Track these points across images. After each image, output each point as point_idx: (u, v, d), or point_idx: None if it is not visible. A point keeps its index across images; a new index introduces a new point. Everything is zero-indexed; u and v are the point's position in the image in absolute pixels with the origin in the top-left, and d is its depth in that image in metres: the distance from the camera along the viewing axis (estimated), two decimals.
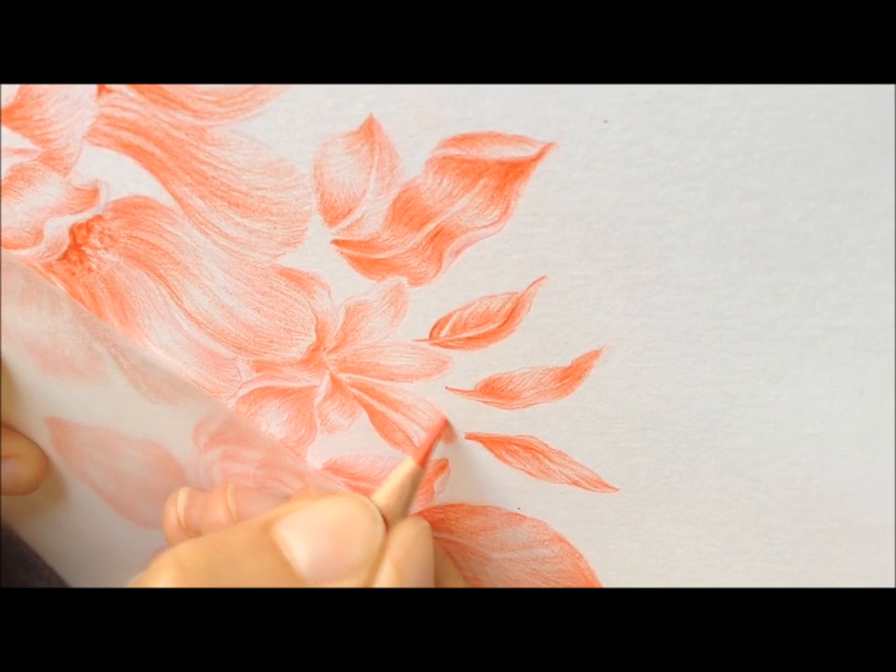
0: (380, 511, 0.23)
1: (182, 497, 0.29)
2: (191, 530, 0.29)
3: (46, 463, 0.32)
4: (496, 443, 0.25)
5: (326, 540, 0.21)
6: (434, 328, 0.22)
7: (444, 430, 0.25)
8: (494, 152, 0.19)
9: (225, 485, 0.28)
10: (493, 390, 0.23)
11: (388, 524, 0.23)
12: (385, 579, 0.22)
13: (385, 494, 0.23)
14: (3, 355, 0.29)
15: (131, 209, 0.23)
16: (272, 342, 0.25)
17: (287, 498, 0.28)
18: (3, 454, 0.31)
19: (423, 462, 0.24)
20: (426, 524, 0.23)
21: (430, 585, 0.23)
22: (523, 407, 0.23)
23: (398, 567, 0.22)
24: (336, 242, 0.22)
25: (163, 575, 0.20)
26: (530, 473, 0.25)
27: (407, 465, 0.24)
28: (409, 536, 0.22)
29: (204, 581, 0.20)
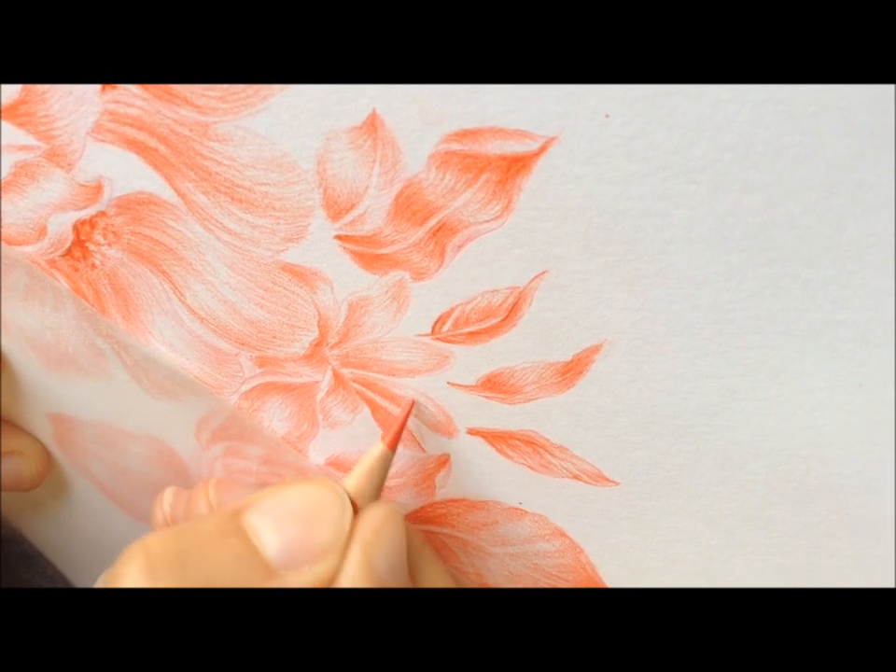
0: (349, 496, 0.22)
1: (167, 495, 0.29)
2: None
3: (48, 459, 0.32)
4: (497, 438, 0.25)
5: (294, 525, 0.21)
6: (436, 322, 0.22)
7: (412, 412, 0.25)
8: (496, 147, 0.19)
9: (207, 480, 0.28)
10: (494, 385, 0.23)
11: (358, 508, 0.23)
12: (353, 562, 0.21)
13: (355, 478, 0.23)
14: (5, 351, 0.29)
15: (134, 205, 0.23)
16: (274, 337, 0.25)
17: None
18: (5, 450, 0.31)
19: (392, 445, 0.24)
20: (395, 507, 0.23)
21: (403, 570, 0.23)
22: (524, 402, 0.23)
23: (365, 550, 0.22)
24: (339, 237, 0.22)
25: (131, 564, 0.20)
26: (531, 468, 0.25)
27: (376, 448, 0.24)
28: (377, 519, 0.22)
29: (172, 569, 0.20)
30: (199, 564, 0.20)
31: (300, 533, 0.21)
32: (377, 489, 0.24)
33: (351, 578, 0.21)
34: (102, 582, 0.21)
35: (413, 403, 0.24)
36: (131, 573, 0.20)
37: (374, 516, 0.22)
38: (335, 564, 0.21)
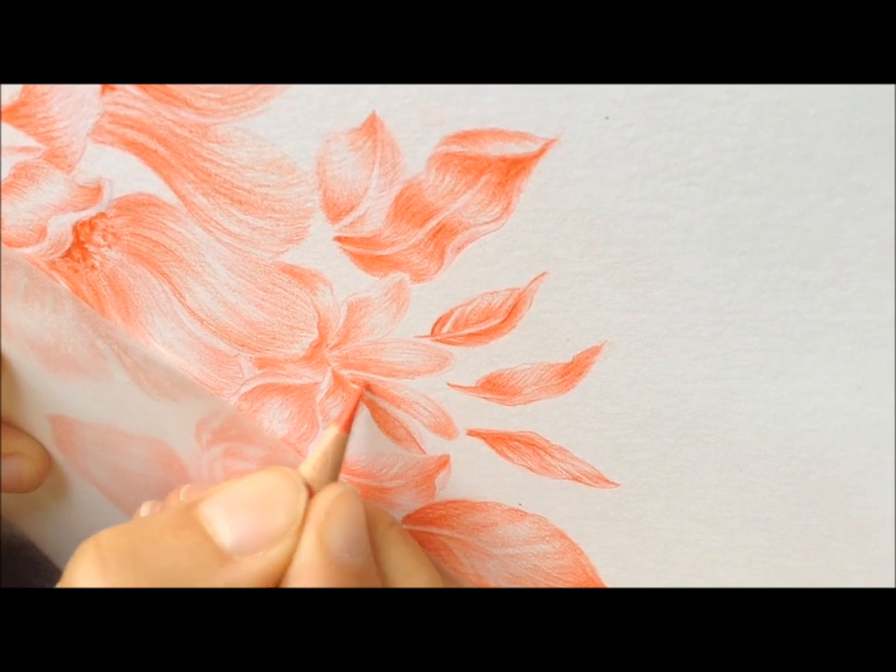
0: (305, 482, 0.22)
1: (143, 508, 0.29)
2: None
3: (48, 460, 0.32)
4: (497, 439, 0.25)
5: (248, 512, 0.21)
6: (436, 324, 0.22)
7: (363, 394, 0.24)
8: (496, 149, 0.19)
9: (180, 487, 0.28)
10: (494, 386, 0.23)
11: (314, 493, 0.22)
12: (307, 543, 0.21)
13: (310, 464, 0.23)
14: (5, 352, 0.29)
15: (134, 206, 0.23)
16: (274, 338, 0.25)
17: None
18: (5, 451, 0.31)
19: (346, 428, 0.24)
20: (350, 487, 0.23)
21: (361, 549, 0.22)
22: (524, 403, 0.23)
23: (318, 530, 0.21)
24: (338, 238, 0.22)
25: (83, 557, 0.20)
26: (531, 469, 0.25)
27: (331, 432, 0.24)
28: (328, 499, 0.22)
29: (123, 561, 0.20)
30: (151, 554, 0.20)
31: (253, 519, 0.21)
32: (334, 473, 0.24)
33: (306, 559, 0.21)
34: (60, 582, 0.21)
35: (365, 385, 0.24)
36: (82, 566, 0.20)
37: (326, 497, 0.22)
38: (291, 547, 0.21)
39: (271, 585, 0.21)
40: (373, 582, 0.22)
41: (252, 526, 0.21)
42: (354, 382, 0.25)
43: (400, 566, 0.23)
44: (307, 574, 0.21)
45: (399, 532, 0.24)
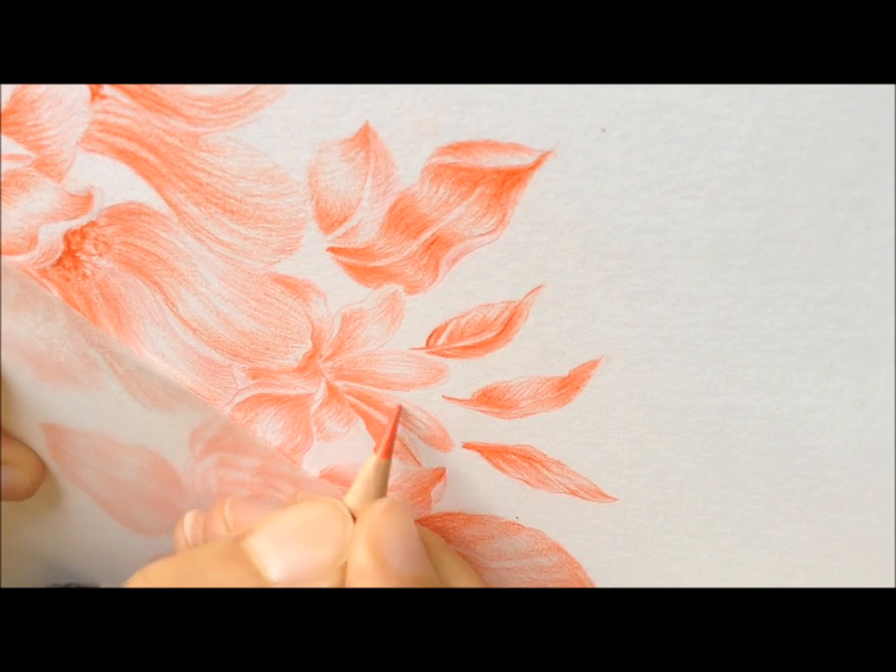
0: (350, 511, 0.22)
1: (188, 518, 0.29)
2: None
3: (42, 469, 0.32)
4: (493, 453, 0.24)
5: (295, 544, 0.21)
6: (431, 336, 0.22)
7: (399, 419, 0.24)
8: (490, 160, 0.18)
9: (224, 500, 0.28)
10: (490, 399, 0.23)
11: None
12: (360, 555, 0.21)
13: (354, 493, 0.23)
14: None
15: (125, 215, 0.23)
16: (267, 349, 0.24)
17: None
18: None
19: (386, 454, 0.24)
20: (394, 501, 0.23)
21: (418, 558, 0.22)
22: (520, 416, 0.23)
23: (369, 540, 0.21)
24: (332, 249, 0.21)
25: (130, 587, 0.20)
26: (528, 483, 0.25)
27: (371, 460, 0.23)
28: (375, 511, 0.22)
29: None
30: (197, 586, 0.20)
31: (301, 550, 0.21)
32: (376, 500, 0.23)
33: (361, 576, 0.21)
34: None
35: (400, 409, 0.24)
36: None
37: (373, 510, 0.22)
38: (339, 580, 0.21)
39: None
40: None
41: (299, 558, 0.21)
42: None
43: (460, 579, 0.23)
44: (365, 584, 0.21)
45: (452, 552, 0.24)
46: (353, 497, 0.23)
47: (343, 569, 0.21)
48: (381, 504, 0.22)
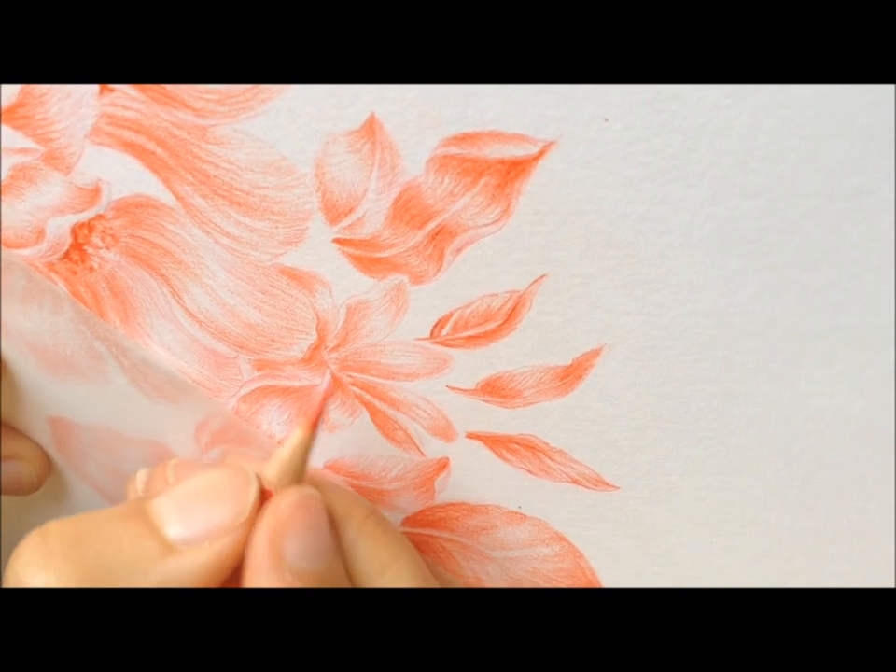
0: (263, 481, 0.22)
1: (141, 474, 0.28)
2: None
3: (48, 463, 0.32)
4: (496, 442, 0.25)
5: (196, 504, 0.21)
6: (435, 326, 0.22)
7: (333, 393, 0.24)
8: (495, 151, 0.19)
9: (168, 461, 0.27)
10: (494, 389, 0.23)
11: (272, 494, 0.22)
12: (260, 551, 0.21)
13: (271, 464, 0.22)
14: (5, 354, 0.29)
15: (133, 208, 0.23)
16: (273, 340, 0.25)
17: None
18: (4, 454, 0.31)
19: (312, 428, 0.23)
20: (311, 492, 0.22)
21: (321, 556, 0.22)
22: (523, 406, 0.23)
23: (271, 539, 0.21)
24: (337, 240, 0.22)
25: (27, 543, 0.20)
26: (531, 472, 0.25)
27: (295, 434, 0.23)
28: (284, 505, 0.21)
29: (66, 547, 0.20)
30: (93, 540, 0.20)
31: (201, 511, 0.21)
32: (296, 475, 0.23)
33: (257, 567, 0.21)
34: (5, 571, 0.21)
35: (332, 381, 0.24)
36: (24, 551, 0.20)
37: (279, 503, 0.21)
38: (238, 540, 0.21)
39: (216, 579, 0.21)
40: (339, 583, 0.22)
41: (198, 516, 0.21)
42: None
43: (375, 557, 0.23)
44: (260, 582, 0.21)
45: (374, 523, 0.23)
46: (270, 470, 0.22)
47: (241, 531, 0.21)
48: (291, 495, 0.22)
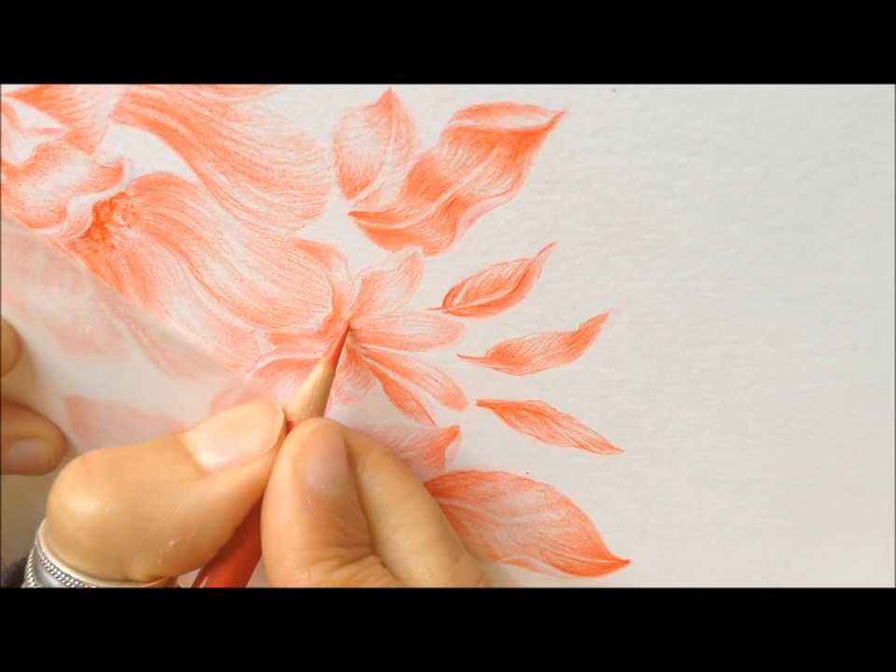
0: (288, 414, 0.24)
1: None
2: None
3: (64, 442, 0.33)
4: (506, 409, 0.26)
5: (226, 433, 0.23)
6: (447, 296, 0.23)
7: (349, 331, 0.25)
8: (507, 122, 0.20)
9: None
10: (504, 356, 0.24)
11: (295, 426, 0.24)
12: (282, 473, 0.22)
13: (295, 399, 0.24)
14: (22, 335, 0.30)
15: (154, 186, 0.24)
16: (289, 314, 0.26)
17: None
18: (22, 434, 0.32)
19: (331, 364, 0.25)
20: (329, 421, 0.24)
21: (339, 480, 0.23)
22: (532, 372, 0.24)
23: (293, 461, 0.22)
24: (354, 213, 0.23)
25: (69, 468, 0.22)
26: (538, 438, 0.26)
27: (316, 371, 0.25)
28: (304, 431, 0.23)
29: (107, 471, 0.21)
30: (133, 467, 0.22)
31: (232, 439, 0.23)
32: (317, 409, 0.25)
33: (281, 487, 0.22)
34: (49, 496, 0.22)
35: (349, 323, 0.25)
36: (67, 477, 0.22)
37: (302, 429, 0.23)
38: (266, 465, 0.23)
39: (245, 502, 0.22)
40: (354, 514, 0.23)
41: (229, 443, 0.23)
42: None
43: (393, 490, 0.24)
44: (283, 503, 0.22)
45: (392, 461, 0.25)
46: (293, 402, 0.24)
47: (269, 457, 0.23)
48: (313, 422, 0.23)
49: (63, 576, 0.21)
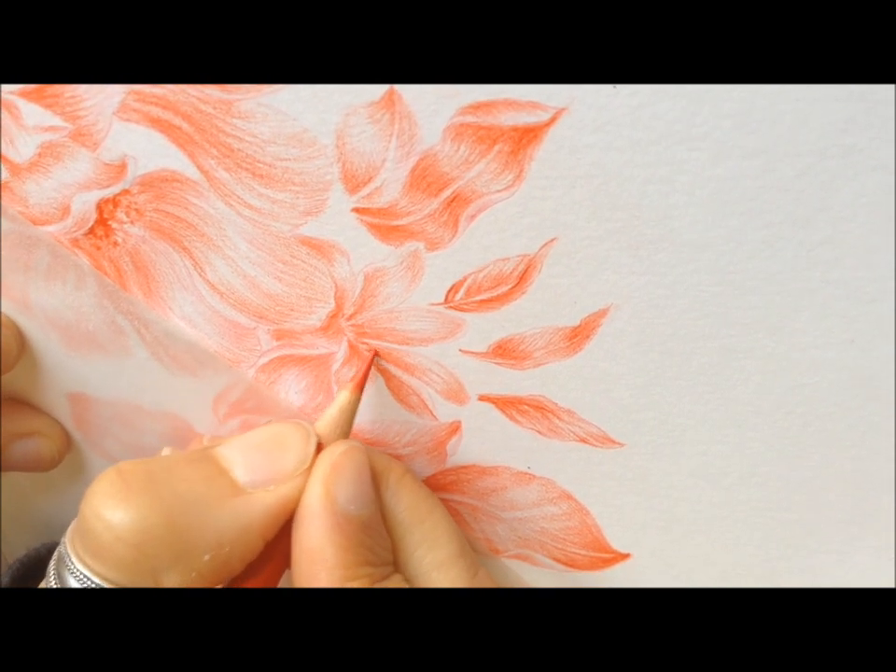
0: (317, 435, 0.24)
1: (166, 451, 0.30)
2: None
3: (67, 439, 0.33)
4: (507, 404, 0.26)
5: (261, 453, 0.23)
6: (449, 291, 0.24)
7: (375, 358, 0.26)
8: (508, 118, 0.20)
9: (202, 435, 0.29)
10: (505, 351, 0.24)
11: (324, 447, 0.24)
12: (314, 494, 0.23)
13: (323, 421, 0.25)
14: (25, 332, 0.30)
15: (158, 183, 0.24)
16: (292, 310, 0.26)
17: None
18: (25, 431, 0.32)
19: (358, 389, 0.25)
20: (356, 443, 0.24)
21: (366, 501, 0.24)
22: (533, 367, 0.25)
23: (325, 483, 0.23)
24: (356, 210, 0.23)
25: (104, 479, 0.22)
26: (540, 432, 0.26)
27: (343, 395, 0.25)
28: (335, 453, 0.24)
29: (142, 483, 0.21)
30: (167, 479, 0.22)
31: (266, 459, 0.23)
32: (344, 431, 0.25)
33: (313, 508, 0.23)
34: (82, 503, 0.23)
35: (376, 352, 0.26)
36: (101, 487, 0.22)
37: (333, 451, 0.24)
38: (299, 486, 0.23)
39: (279, 520, 0.23)
40: (379, 533, 0.24)
41: (264, 465, 0.23)
42: (367, 349, 0.26)
43: (415, 508, 0.25)
44: (315, 522, 0.22)
45: (412, 479, 0.25)
46: (321, 424, 0.25)
47: (302, 479, 0.23)
48: (342, 445, 0.24)
49: (90, 584, 0.21)
